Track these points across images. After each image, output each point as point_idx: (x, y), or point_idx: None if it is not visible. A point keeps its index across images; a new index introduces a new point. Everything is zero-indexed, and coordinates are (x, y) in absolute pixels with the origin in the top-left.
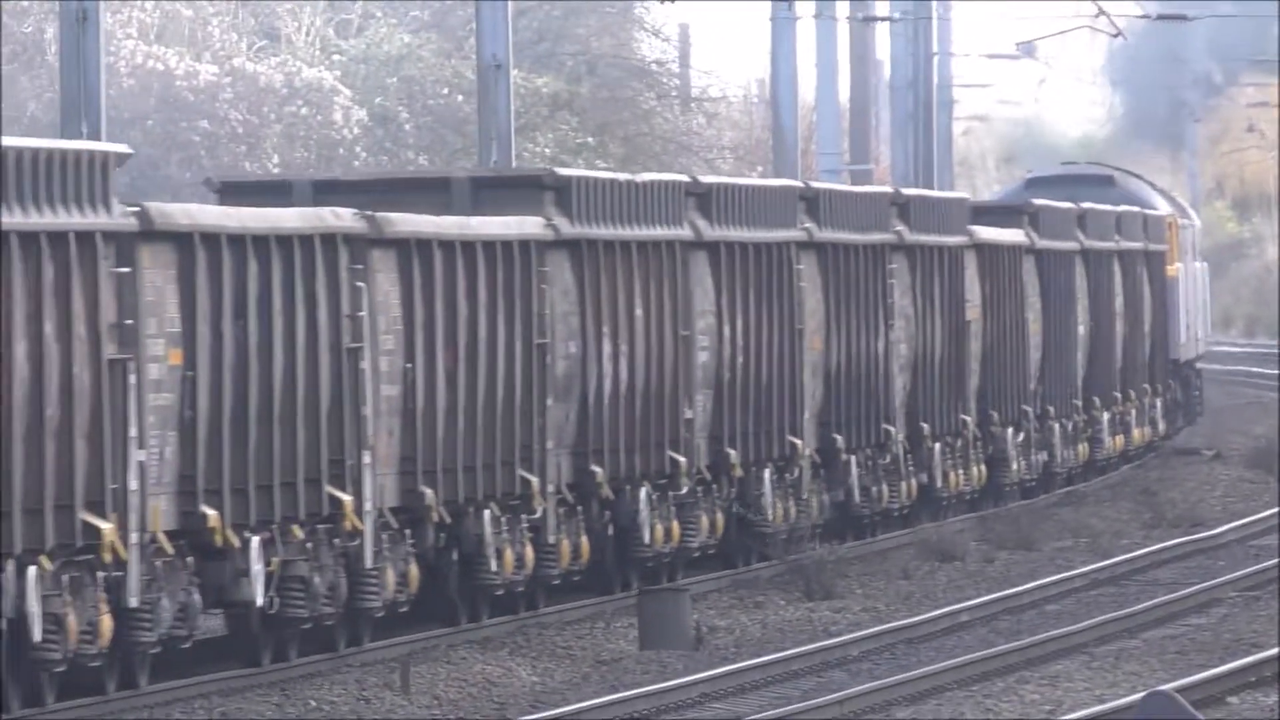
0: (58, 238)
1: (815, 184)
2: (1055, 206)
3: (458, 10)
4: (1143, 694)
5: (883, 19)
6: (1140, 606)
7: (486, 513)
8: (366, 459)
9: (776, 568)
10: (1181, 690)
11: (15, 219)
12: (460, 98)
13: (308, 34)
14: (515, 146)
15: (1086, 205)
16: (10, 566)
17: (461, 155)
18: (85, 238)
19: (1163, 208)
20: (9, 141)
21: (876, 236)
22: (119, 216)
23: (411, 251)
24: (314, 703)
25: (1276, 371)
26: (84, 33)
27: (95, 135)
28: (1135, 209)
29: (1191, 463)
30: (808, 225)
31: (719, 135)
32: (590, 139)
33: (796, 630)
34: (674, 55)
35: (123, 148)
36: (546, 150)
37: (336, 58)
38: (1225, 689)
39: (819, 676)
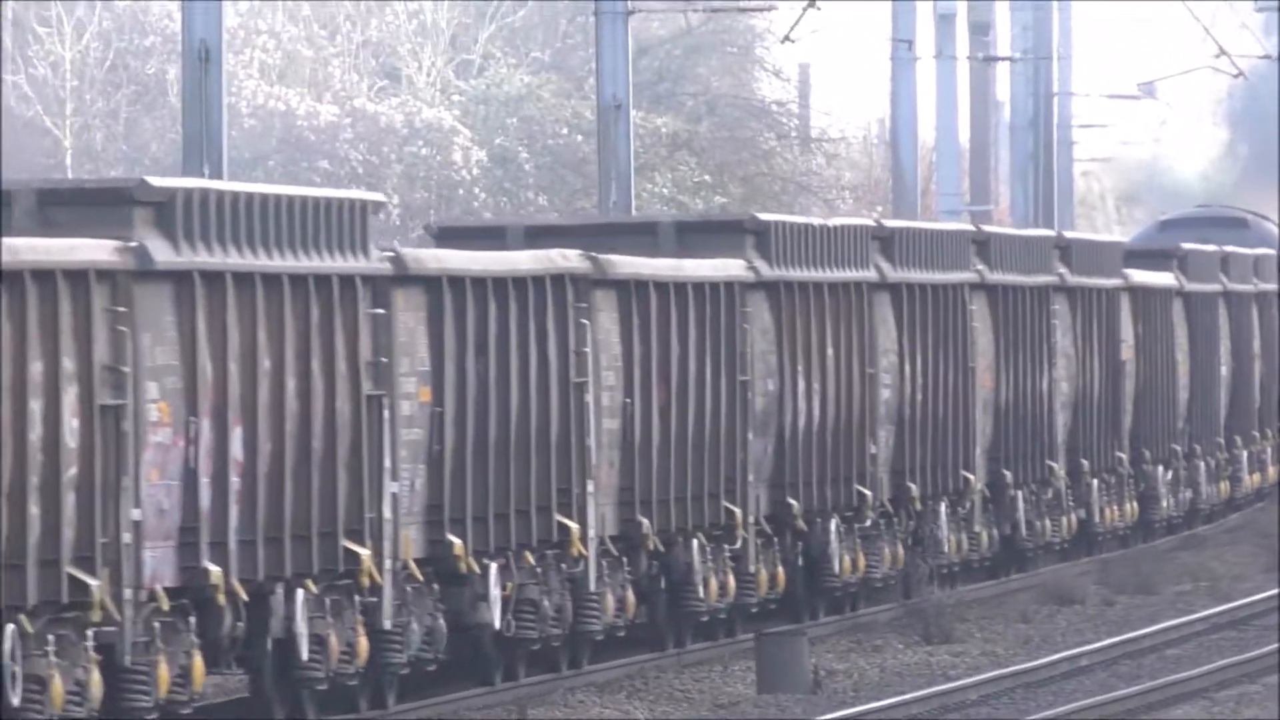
0: (323, 280)
1: (986, 228)
2: (1202, 250)
3: (578, 51)
4: None
5: (1003, 59)
6: (1260, 651)
7: (695, 542)
8: (590, 488)
9: (895, 611)
10: None
11: (287, 262)
12: (580, 138)
13: (428, 75)
14: (634, 186)
15: (1229, 248)
16: (280, 590)
17: (581, 196)
18: (347, 281)
19: None
20: (281, 190)
21: (1042, 279)
22: (376, 261)
23: (630, 291)
24: None
25: None
26: (206, 73)
27: (217, 175)
28: (1271, 252)
29: None
30: (979, 267)
31: (838, 175)
32: (708, 178)
33: (914, 674)
34: (794, 95)
35: (379, 197)
36: (665, 190)
37: (456, 98)
38: None
39: None
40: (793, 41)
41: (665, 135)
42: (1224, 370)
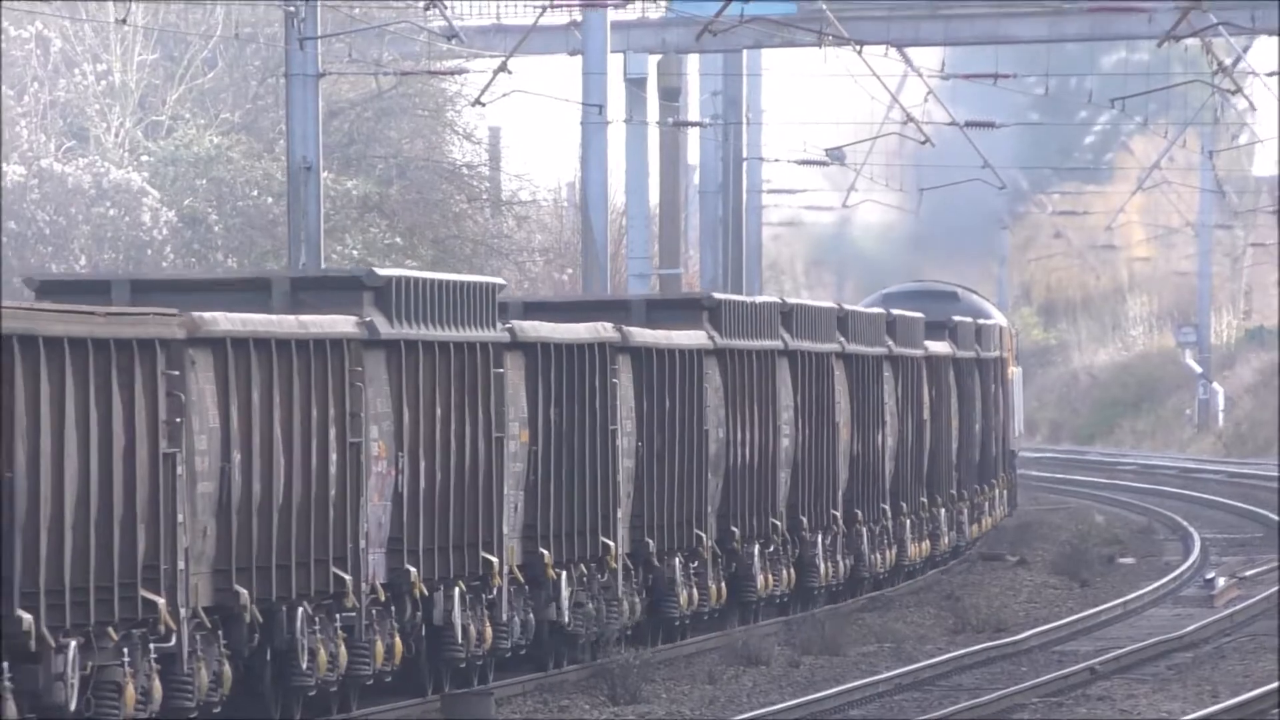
0: (470, 347)
1: (790, 299)
2: (966, 322)
3: (269, 112)
4: None
5: (693, 124)
6: (944, 712)
7: (677, 560)
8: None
9: (582, 671)
10: None
11: (450, 333)
12: (270, 199)
13: (117, 135)
14: (325, 248)
15: (957, 319)
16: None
17: (270, 257)
18: (484, 347)
19: (996, 317)
20: (446, 277)
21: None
22: (498, 332)
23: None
24: None
25: (1081, 477)
26: None
27: None
28: (991, 321)
29: (996, 568)
30: (783, 335)
31: (529, 238)
32: (400, 240)
33: None
34: (485, 158)
35: (500, 280)
36: (355, 252)
37: (145, 159)
38: None
39: None
40: (484, 105)
41: (356, 197)
42: (978, 427)
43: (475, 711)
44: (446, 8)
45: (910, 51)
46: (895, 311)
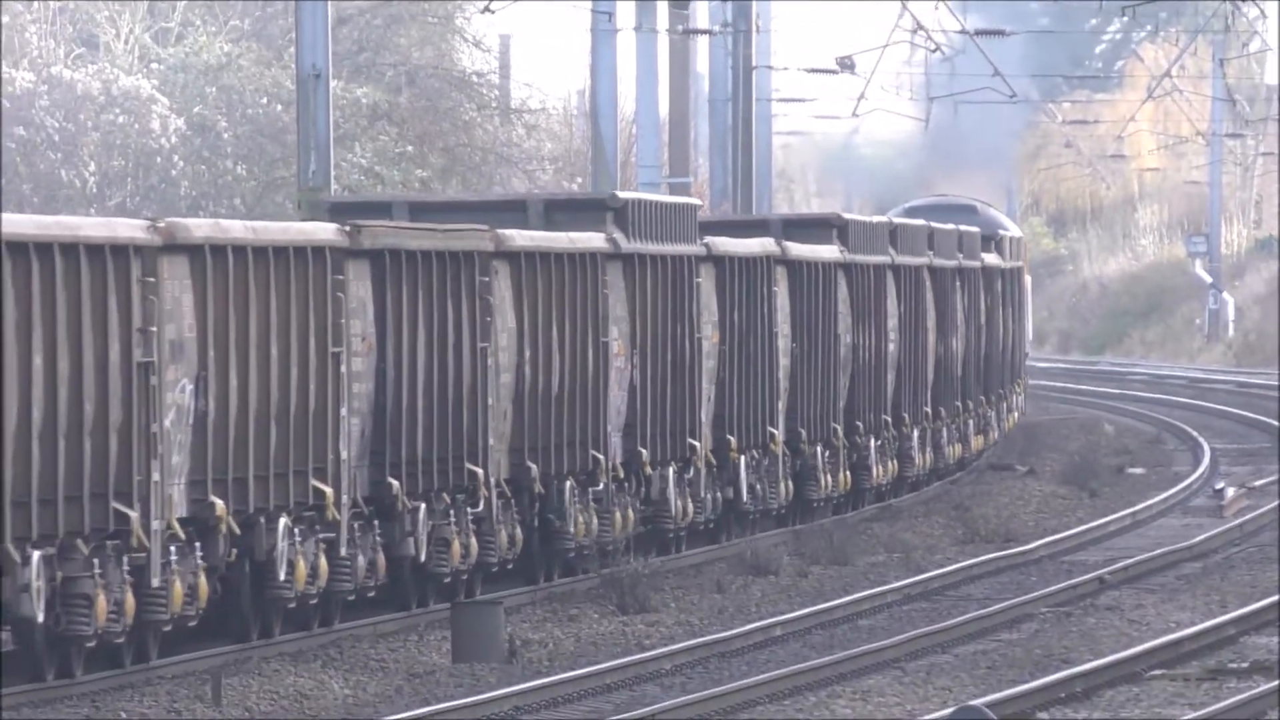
0: (673, 260)
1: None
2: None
3: (278, 19)
4: (954, 709)
5: (703, 31)
6: (952, 622)
7: (818, 449)
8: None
9: (590, 581)
10: (992, 705)
11: (663, 247)
12: (279, 107)
13: (126, 42)
14: (334, 156)
15: (1002, 232)
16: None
17: (280, 165)
18: (688, 260)
19: (1011, 229)
20: (656, 199)
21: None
22: (697, 246)
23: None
24: (124, 715)
25: (1090, 387)
26: None
27: None
28: (1007, 232)
29: (1005, 478)
30: (890, 251)
31: (539, 146)
32: (409, 148)
33: (610, 644)
34: (494, 66)
35: (697, 201)
36: (364, 160)
37: (155, 66)
38: (1035, 704)
39: (631, 690)
40: (493, 12)
41: (365, 105)
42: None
43: (485, 621)
44: None
45: None
46: (962, 227)
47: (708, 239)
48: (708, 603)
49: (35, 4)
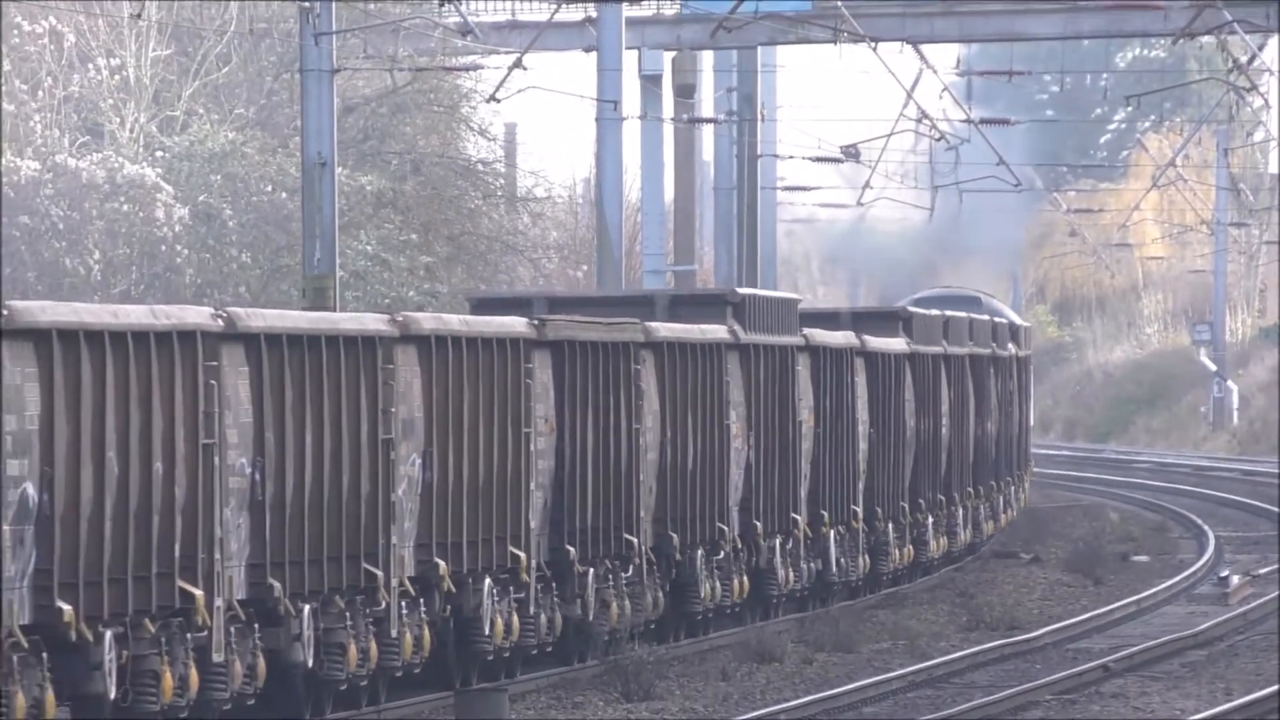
0: (777, 349)
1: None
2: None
3: (283, 108)
4: None
5: (707, 120)
6: (957, 709)
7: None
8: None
9: (597, 668)
10: None
11: (768, 337)
12: (284, 195)
13: (130, 130)
14: (339, 244)
15: (995, 319)
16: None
17: (285, 253)
18: (788, 350)
19: (1014, 319)
20: (765, 294)
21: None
22: (796, 337)
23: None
24: None
25: (1092, 476)
26: None
27: None
28: (1019, 321)
29: (1009, 565)
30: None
31: (544, 235)
32: (414, 236)
33: None
34: (500, 154)
35: (797, 296)
36: (369, 248)
37: (160, 154)
38: None
39: None
40: (499, 101)
41: (370, 193)
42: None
43: (489, 708)
44: (462, 4)
45: (925, 49)
46: (975, 316)
47: (805, 330)
48: (712, 690)
49: (40, 92)
